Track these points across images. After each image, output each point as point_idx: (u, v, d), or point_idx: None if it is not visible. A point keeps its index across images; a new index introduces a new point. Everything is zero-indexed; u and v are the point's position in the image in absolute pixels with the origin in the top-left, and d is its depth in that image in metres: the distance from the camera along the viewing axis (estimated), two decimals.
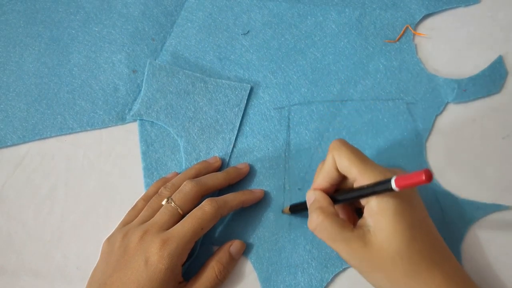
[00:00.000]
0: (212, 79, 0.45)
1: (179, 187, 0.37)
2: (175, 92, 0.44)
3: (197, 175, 0.39)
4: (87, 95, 0.46)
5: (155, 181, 0.41)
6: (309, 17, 0.47)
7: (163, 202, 0.37)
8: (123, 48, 0.47)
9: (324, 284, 0.37)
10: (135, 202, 0.40)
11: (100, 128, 0.45)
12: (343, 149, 0.32)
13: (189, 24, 0.48)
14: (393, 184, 0.28)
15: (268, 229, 0.40)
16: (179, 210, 0.36)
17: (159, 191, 0.38)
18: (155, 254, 0.33)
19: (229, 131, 0.43)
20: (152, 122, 0.44)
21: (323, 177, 0.34)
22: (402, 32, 0.45)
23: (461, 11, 0.46)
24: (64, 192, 0.43)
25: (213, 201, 0.36)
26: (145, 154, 0.43)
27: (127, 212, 0.39)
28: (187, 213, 0.36)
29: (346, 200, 0.33)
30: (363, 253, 0.30)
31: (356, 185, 0.32)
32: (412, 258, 0.30)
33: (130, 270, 0.33)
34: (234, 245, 0.38)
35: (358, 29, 0.46)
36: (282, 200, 0.40)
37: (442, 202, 0.39)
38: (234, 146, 0.43)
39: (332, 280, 0.38)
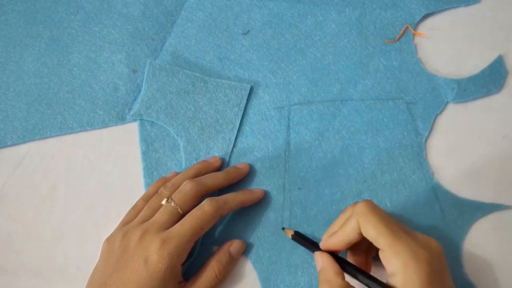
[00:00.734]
0: (212, 79, 0.45)
1: (179, 187, 0.37)
2: (175, 92, 0.44)
3: (197, 175, 0.39)
4: (87, 95, 0.46)
5: (155, 181, 0.41)
6: (309, 17, 0.47)
7: (163, 202, 0.37)
8: (123, 48, 0.47)
9: None
10: (135, 202, 0.40)
11: (100, 128, 0.45)
12: (370, 217, 0.30)
13: (189, 24, 0.48)
14: None
15: (268, 229, 0.40)
16: (179, 209, 0.36)
17: (159, 191, 0.38)
18: (155, 254, 0.33)
19: (229, 131, 0.43)
20: (152, 122, 0.44)
21: (342, 239, 0.32)
22: (402, 32, 0.45)
23: (461, 11, 0.46)
24: (64, 192, 0.43)
25: (213, 201, 0.36)
26: (145, 154, 0.43)
27: (127, 212, 0.39)
28: (187, 213, 0.36)
29: (355, 278, 0.32)
30: None
31: (382, 256, 0.30)
32: None
33: (130, 269, 0.33)
34: (234, 245, 0.38)
35: (358, 29, 0.46)
36: (282, 200, 0.40)
37: (442, 202, 0.39)
38: (234, 146, 0.43)
39: None
